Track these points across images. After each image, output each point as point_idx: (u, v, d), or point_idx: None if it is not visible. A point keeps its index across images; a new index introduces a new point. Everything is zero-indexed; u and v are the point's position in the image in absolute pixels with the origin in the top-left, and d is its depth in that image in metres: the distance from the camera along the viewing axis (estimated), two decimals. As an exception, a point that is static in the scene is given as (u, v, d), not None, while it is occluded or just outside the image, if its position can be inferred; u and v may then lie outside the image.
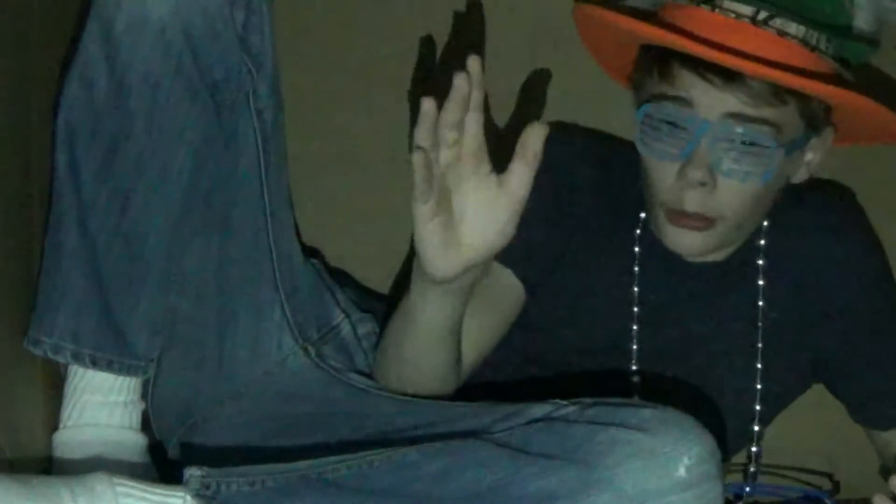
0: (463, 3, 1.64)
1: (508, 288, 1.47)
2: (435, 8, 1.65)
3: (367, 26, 1.65)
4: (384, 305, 1.61)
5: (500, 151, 1.57)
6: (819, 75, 1.35)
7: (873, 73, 1.58)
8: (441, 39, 1.65)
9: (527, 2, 1.65)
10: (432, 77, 1.28)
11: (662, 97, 1.38)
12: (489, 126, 1.63)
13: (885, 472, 1.50)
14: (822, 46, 1.37)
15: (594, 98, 1.63)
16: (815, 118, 1.39)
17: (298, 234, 1.61)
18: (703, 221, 1.39)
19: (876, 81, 1.59)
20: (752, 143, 1.35)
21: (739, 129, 1.35)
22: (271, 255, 1.47)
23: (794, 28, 1.35)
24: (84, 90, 1.37)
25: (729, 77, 1.34)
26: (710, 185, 1.37)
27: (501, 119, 1.64)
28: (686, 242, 1.41)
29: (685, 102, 1.36)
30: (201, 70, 1.37)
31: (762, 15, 1.35)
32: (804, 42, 1.36)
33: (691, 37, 1.34)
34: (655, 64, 1.39)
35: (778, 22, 1.35)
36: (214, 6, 1.35)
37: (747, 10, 1.35)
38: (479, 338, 1.43)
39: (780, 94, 1.35)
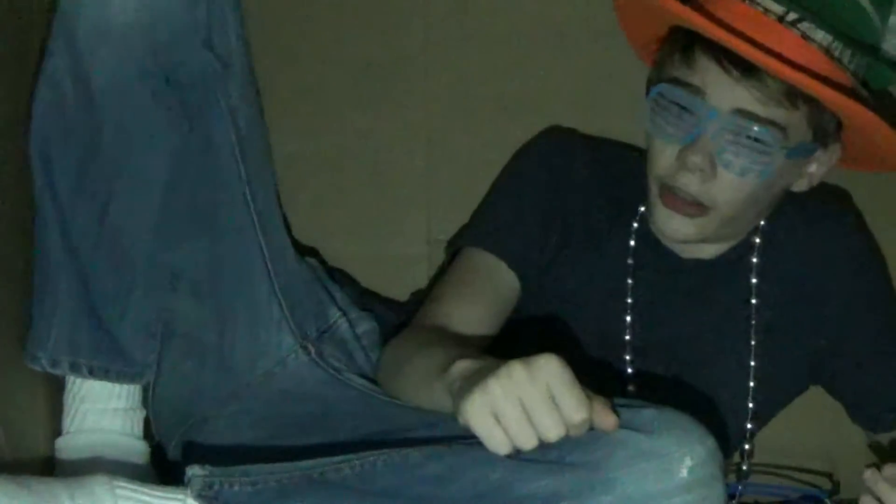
0: (464, 2, 1.65)
1: (504, 281, 1.48)
2: (436, 7, 1.65)
3: (367, 26, 1.65)
4: (382, 304, 1.61)
5: (503, 151, 1.58)
6: (835, 85, 1.35)
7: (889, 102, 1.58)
8: (442, 39, 1.65)
9: (528, 1, 1.65)
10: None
11: (678, 81, 1.39)
12: (491, 127, 1.65)
13: (878, 453, 1.51)
14: (845, 60, 1.37)
15: (596, 97, 1.63)
16: (824, 130, 1.40)
17: (291, 233, 1.61)
18: (695, 208, 1.40)
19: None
20: (756, 140, 1.36)
21: (746, 125, 1.35)
22: (263, 253, 1.47)
23: (820, 35, 1.36)
24: (53, 100, 1.37)
25: (746, 71, 1.34)
26: (709, 172, 1.38)
27: (503, 119, 1.64)
28: (675, 226, 1.42)
29: (698, 90, 1.37)
30: (167, 73, 1.37)
31: (791, 16, 1.35)
32: (827, 51, 1.36)
33: (718, 23, 1.34)
34: (679, 46, 1.40)
35: (805, 26, 1.35)
36: (174, 9, 1.35)
37: (778, 8, 1.36)
38: (475, 328, 1.44)
39: (792, 97, 1.35)
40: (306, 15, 1.64)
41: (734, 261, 1.50)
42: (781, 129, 1.36)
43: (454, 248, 1.53)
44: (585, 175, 1.51)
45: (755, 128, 1.35)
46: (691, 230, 1.42)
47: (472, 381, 1.17)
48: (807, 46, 1.36)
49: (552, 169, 1.50)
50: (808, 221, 1.50)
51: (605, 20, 1.57)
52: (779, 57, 1.33)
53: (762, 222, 1.49)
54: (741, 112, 1.36)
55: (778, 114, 1.36)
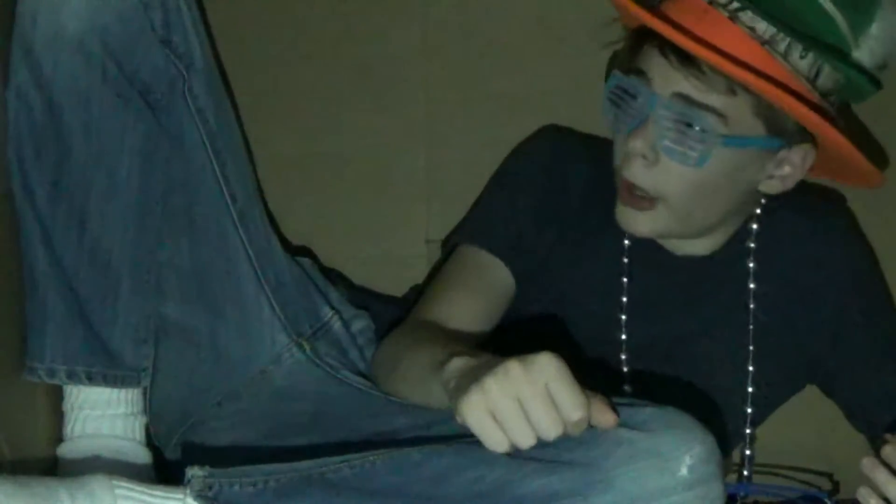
0: (464, 2, 1.65)
1: (499, 278, 1.49)
2: (436, 7, 1.65)
3: (367, 26, 1.65)
4: (378, 301, 1.61)
5: (503, 151, 1.58)
6: (767, 76, 1.34)
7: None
8: (443, 38, 1.65)
9: (528, 1, 1.65)
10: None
11: (627, 70, 1.40)
12: (491, 127, 1.65)
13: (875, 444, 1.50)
14: (793, 55, 1.36)
15: (595, 97, 1.63)
16: (781, 126, 1.38)
17: (286, 233, 1.61)
18: (644, 201, 1.41)
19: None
20: (692, 126, 1.36)
21: (684, 110, 1.36)
22: (246, 251, 1.47)
23: (763, 27, 1.35)
24: (22, 112, 1.37)
25: (684, 58, 1.36)
26: (652, 159, 1.39)
27: (503, 119, 1.64)
28: (628, 221, 1.43)
29: (643, 76, 1.39)
30: (128, 76, 1.37)
31: (734, 5, 1.35)
32: (771, 45, 1.35)
33: (659, 13, 1.36)
34: (632, 37, 1.42)
35: (748, 16, 1.35)
36: (128, 10, 1.35)
37: None
38: (470, 325, 1.44)
39: (730, 84, 1.35)
40: (306, 15, 1.65)
41: (729, 259, 1.50)
42: (721, 115, 1.36)
43: (450, 246, 1.53)
44: (581, 172, 1.51)
45: (693, 113, 1.36)
46: (646, 225, 1.43)
47: (469, 379, 1.17)
48: (747, 38, 1.35)
49: (547, 166, 1.51)
50: (804, 224, 1.50)
51: (605, 20, 1.56)
52: (711, 45, 1.33)
53: (755, 226, 1.49)
54: (680, 97, 1.37)
55: (716, 100, 1.36)
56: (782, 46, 1.36)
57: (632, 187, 1.41)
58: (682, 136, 1.37)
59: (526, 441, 1.15)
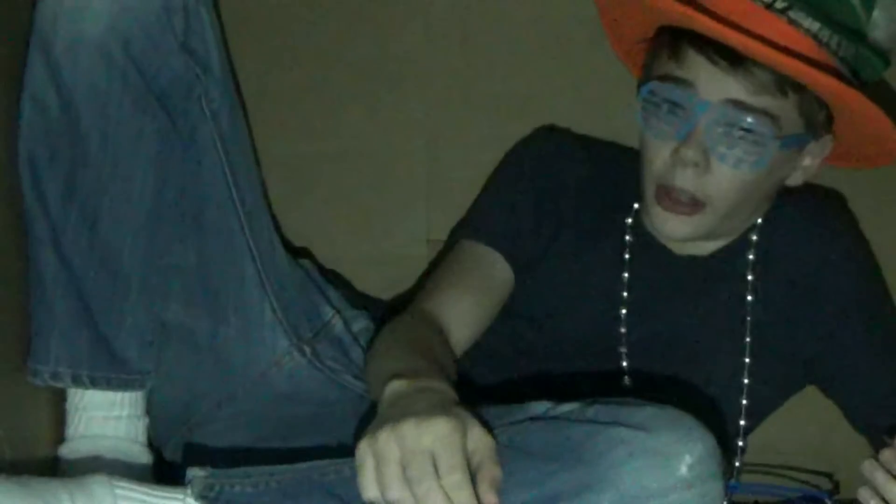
0: (464, 2, 1.65)
1: (497, 271, 1.49)
2: (436, 7, 1.65)
3: (367, 26, 1.65)
4: (377, 307, 1.61)
5: (503, 151, 1.58)
6: (825, 68, 1.35)
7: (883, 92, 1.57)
8: (443, 38, 1.65)
9: (528, 1, 1.65)
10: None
11: (667, 77, 1.39)
12: (491, 127, 1.65)
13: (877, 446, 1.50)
14: (833, 46, 1.38)
15: (595, 97, 1.64)
16: (815, 120, 1.40)
17: (286, 233, 1.61)
18: (691, 206, 1.40)
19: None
20: (748, 131, 1.36)
21: (738, 116, 1.36)
22: (252, 255, 1.47)
23: (807, 23, 1.36)
24: (37, 115, 1.37)
25: (735, 61, 1.35)
26: (703, 166, 1.38)
27: (503, 119, 1.65)
28: (672, 227, 1.43)
29: (688, 84, 1.38)
30: (147, 80, 1.37)
31: (780, 4, 1.36)
32: (816, 38, 1.36)
33: (705, 14, 1.35)
34: (667, 43, 1.40)
35: (793, 14, 1.36)
36: (150, 16, 1.35)
37: None
38: (470, 318, 1.45)
39: (782, 85, 1.36)
40: (306, 15, 1.65)
41: (729, 258, 1.50)
42: (773, 118, 1.37)
43: (450, 243, 1.54)
44: (579, 171, 1.51)
45: (747, 118, 1.36)
46: (689, 229, 1.43)
47: (382, 418, 1.17)
48: (795, 33, 1.36)
49: (545, 164, 1.51)
50: (804, 223, 1.50)
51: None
52: (767, 43, 1.33)
53: (759, 220, 1.49)
54: (732, 103, 1.36)
55: (769, 103, 1.36)
56: (826, 38, 1.37)
57: (673, 192, 1.40)
58: (737, 141, 1.37)
59: (395, 492, 1.14)
